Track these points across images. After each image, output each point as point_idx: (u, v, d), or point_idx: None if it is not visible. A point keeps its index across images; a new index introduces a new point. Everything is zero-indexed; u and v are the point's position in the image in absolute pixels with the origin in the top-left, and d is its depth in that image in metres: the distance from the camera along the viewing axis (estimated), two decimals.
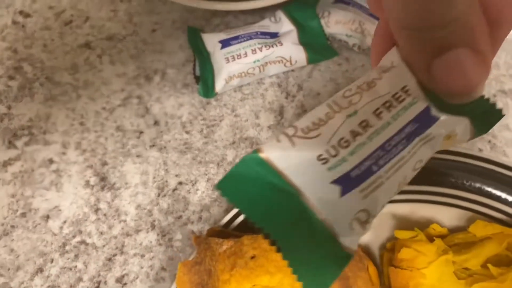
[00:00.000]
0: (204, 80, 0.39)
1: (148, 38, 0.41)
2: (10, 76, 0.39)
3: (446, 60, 0.14)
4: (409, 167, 0.18)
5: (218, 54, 0.39)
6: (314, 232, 0.17)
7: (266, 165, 0.17)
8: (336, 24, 0.40)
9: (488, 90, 0.40)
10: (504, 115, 0.19)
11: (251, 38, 0.39)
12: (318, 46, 0.40)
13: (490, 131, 0.38)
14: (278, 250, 0.17)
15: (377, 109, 0.18)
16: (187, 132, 0.38)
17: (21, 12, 0.41)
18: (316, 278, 0.17)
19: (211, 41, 0.39)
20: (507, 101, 0.40)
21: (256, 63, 0.39)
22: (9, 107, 0.38)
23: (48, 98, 0.39)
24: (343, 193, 0.17)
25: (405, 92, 0.18)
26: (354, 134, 0.18)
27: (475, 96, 0.16)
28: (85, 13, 0.42)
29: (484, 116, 0.18)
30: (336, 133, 0.18)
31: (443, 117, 0.18)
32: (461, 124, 0.18)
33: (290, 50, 0.39)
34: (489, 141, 0.38)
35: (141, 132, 0.38)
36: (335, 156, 0.18)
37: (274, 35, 0.40)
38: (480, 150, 0.38)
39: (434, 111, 0.18)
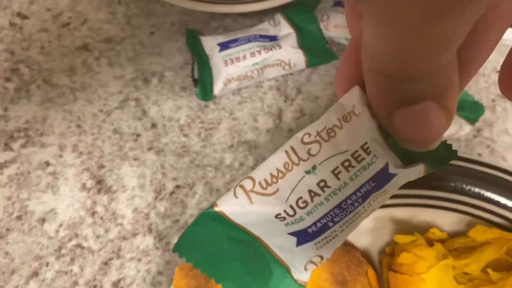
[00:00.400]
0: (203, 83, 0.38)
1: (146, 40, 0.41)
2: (6, 78, 0.39)
3: (411, 110, 0.14)
4: (363, 218, 0.19)
5: (216, 57, 0.38)
6: (271, 271, 0.18)
7: (223, 219, 0.18)
8: (335, 27, 0.40)
9: (487, 95, 0.40)
10: (458, 157, 0.18)
11: (250, 41, 0.39)
12: (317, 50, 0.40)
13: (489, 135, 0.38)
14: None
15: (336, 168, 0.18)
16: (185, 135, 0.38)
17: (18, 14, 0.41)
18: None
19: (209, 43, 0.39)
20: (506, 106, 0.40)
21: (255, 66, 0.39)
22: (5, 109, 0.38)
23: (45, 100, 0.39)
24: (299, 243, 0.19)
25: (365, 150, 0.18)
26: (312, 194, 0.18)
27: (433, 147, 0.16)
28: (83, 16, 0.41)
29: (440, 158, 0.18)
30: (294, 191, 0.18)
31: (400, 172, 0.17)
32: (416, 173, 0.18)
33: (289, 53, 0.39)
34: (488, 146, 0.38)
35: (138, 135, 0.38)
36: (292, 216, 0.18)
37: (273, 39, 0.40)
38: (479, 154, 0.38)
39: (392, 168, 0.18)
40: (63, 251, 0.34)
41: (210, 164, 0.37)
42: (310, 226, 0.18)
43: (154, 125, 0.38)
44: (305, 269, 0.19)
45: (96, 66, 0.40)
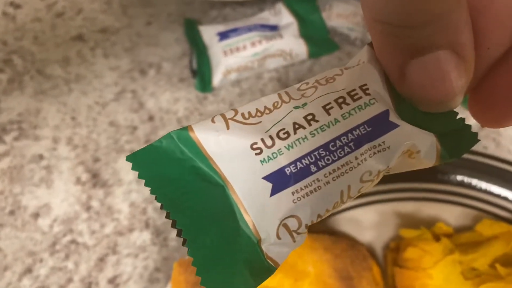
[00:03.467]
0: (201, 74, 0.37)
1: (142, 31, 0.40)
2: None
3: (424, 62, 0.12)
4: (355, 176, 0.15)
5: (215, 47, 0.37)
6: (235, 232, 0.15)
7: (194, 146, 0.15)
8: (338, 17, 0.39)
9: None
10: (479, 140, 0.16)
11: (250, 31, 0.38)
12: (319, 39, 0.39)
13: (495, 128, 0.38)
14: (184, 243, 0.14)
15: (328, 103, 0.15)
16: None
17: (11, 3, 0.40)
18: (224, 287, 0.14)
19: (208, 33, 0.38)
20: None
21: (255, 56, 0.37)
22: None
23: (38, 91, 0.37)
24: (273, 191, 0.15)
25: (364, 90, 0.15)
26: (296, 127, 0.15)
27: (453, 107, 0.14)
28: (78, 5, 0.40)
29: (456, 137, 0.15)
30: (278, 124, 0.15)
31: (403, 125, 0.15)
32: (425, 140, 0.15)
33: (291, 43, 0.38)
34: (494, 139, 0.37)
35: (135, 128, 0.37)
36: (270, 147, 0.15)
37: (273, 28, 0.39)
38: (485, 148, 0.37)
39: (393, 117, 0.15)
40: (57, 247, 0.33)
41: None
42: (288, 165, 0.15)
43: (151, 118, 0.37)
44: (278, 236, 0.15)
45: (91, 57, 0.39)
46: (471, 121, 0.17)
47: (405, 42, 0.12)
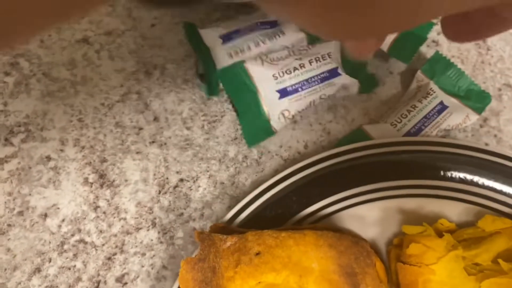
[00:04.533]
0: (208, 78, 0.38)
1: (147, 33, 0.40)
2: (6, 72, 0.39)
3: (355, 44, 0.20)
4: (317, 95, 0.37)
5: (220, 50, 0.38)
6: (260, 114, 0.36)
7: (246, 71, 0.36)
8: None
9: (493, 84, 0.40)
10: (377, 82, 0.40)
11: (252, 31, 0.38)
12: None
13: (496, 124, 0.38)
14: (236, 111, 0.38)
15: (310, 60, 0.37)
16: (187, 128, 0.37)
17: None
18: (251, 131, 0.36)
19: (210, 36, 0.38)
20: None
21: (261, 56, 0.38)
22: (5, 104, 0.38)
23: (45, 94, 0.38)
24: (280, 97, 0.36)
25: (328, 55, 0.37)
26: (295, 69, 0.36)
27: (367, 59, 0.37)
28: None
29: (366, 80, 0.38)
30: (287, 66, 0.36)
31: (342, 74, 0.37)
32: (351, 81, 0.37)
33: (292, 37, 0.38)
34: (495, 135, 0.38)
35: (140, 129, 0.37)
36: (282, 76, 0.36)
37: (274, 24, 0.39)
38: (486, 144, 0.37)
39: (340, 70, 0.37)
40: (65, 247, 0.33)
41: (214, 157, 0.36)
42: (289, 86, 0.36)
43: (156, 118, 0.38)
44: (278, 118, 0.36)
45: (97, 59, 0.39)
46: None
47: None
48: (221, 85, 0.37)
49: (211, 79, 0.38)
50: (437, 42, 0.41)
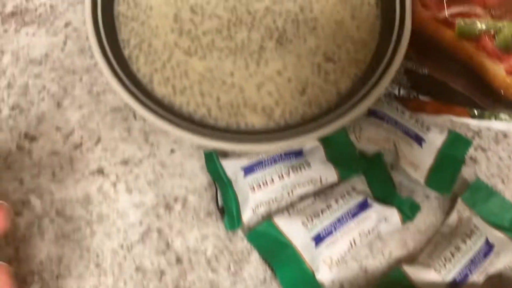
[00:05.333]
0: (229, 211, 0.35)
1: (166, 160, 0.38)
2: (17, 212, 0.36)
3: None
4: (355, 232, 0.34)
5: (241, 182, 0.35)
6: (301, 268, 0.33)
7: (275, 228, 0.34)
8: (368, 141, 0.37)
9: None
10: (418, 206, 0.36)
11: (276, 162, 0.36)
12: (348, 160, 0.37)
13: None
14: (275, 277, 0.34)
15: (336, 198, 0.35)
16: (213, 271, 0.35)
17: (26, 135, 0.38)
18: None
19: (231, 167, 0.36)
20: None
21: (284, 188, 0.35)
22: (16, 250, 0.35)
23: (59, 236, 0.35)
24: (316, 246, 0.33)
25: (353, 189, 0.36)
26: (322, 211, 0.34)
27: None
28: (96, 134, 0.38)
29: (404, 206, 0.36)
30: (314, 210, 0.35)
31: (374, 205, 0.35)
32: (388, 209, 0.35)
33: (319, 170, 0.36)
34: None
35: (162, 272, 0.35)
36: (311, 222, 0.34)
37: (299, 154, 0.37)
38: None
39: (369, 200, 0.35)
40: None
41: None
42: (322, 231, 0.33)
43: (179, 260, 0.35)
44: (321, 266, 0.33)
45: (114, 193, 0.37)
46: None
47: None
48: (243, 219, 0.35)
49: (232, 212, 0.35)
50: (475, 159, 0.39)
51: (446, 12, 0.32)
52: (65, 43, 0.40)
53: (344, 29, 0.35)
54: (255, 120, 0.33)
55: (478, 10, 0.32)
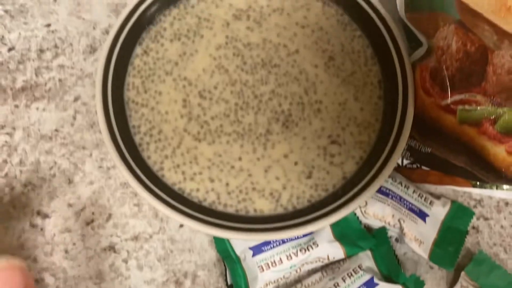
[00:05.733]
0: None
1: (176, 234, 0.39)
2: None
3: None
4: None
5: (250, 261, 0.36)
6: None
7: None
8: (374, 217, 0.38)
9: None
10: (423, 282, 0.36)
11: (283, 242, 0.37)
12: (355, 237, 0.38)
13: None
14: None
15: (343, 276, 0.35)
16: None
17: (38, 213, 0.39)
18: None
19: (240, 246, 0.37)
20: None
21: (292, 268, 0.36)
22: None
23: None
24: None
25: (360, 267, 0.36)
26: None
27: None
28: (107, 210, 0.39)
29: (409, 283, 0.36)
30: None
31: (380, 283, 0.35)
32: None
33: (326, 249, 0.37)
34: None
35: None
36: None
37: (306, 233, 0.38)
38: None
39: (376, 279, 0.35)
40: None
41: None
42: None
43: None
44: None
45: (125, 270, 0.38)
46: None
47: None
48: None
49: None
50: (477, 228, 0.40)
51: (448, 100, 0.33)
52: (74, 117, 0.41)
53: (348, 110, 0.36)
54: (264, 206, 0.34)
55: (479, 97, 0.33)
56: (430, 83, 0.34)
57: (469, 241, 0.39)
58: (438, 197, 0.39)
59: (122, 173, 0.32)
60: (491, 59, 0.33)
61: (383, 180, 0.33)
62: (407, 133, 0.34)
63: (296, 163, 0.35)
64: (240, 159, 0.35)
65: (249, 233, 0.32)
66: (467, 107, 0.33)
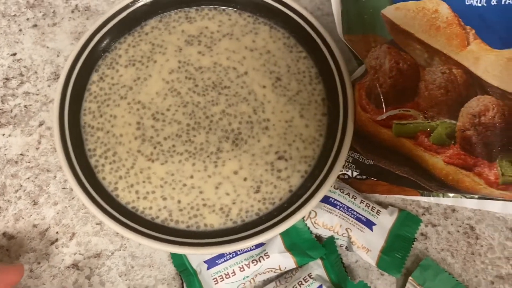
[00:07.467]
0: None
1: (136, 251, 0.40)
2: None
3: None
4: None
5: (205, 274, 0.38)
6: None
7: None
8: (323, 227, 0.40)
9: (485, 276, 0.40)
10: None
11: (236, 254, 0.38)
12: (305, 247, 0.39)
13: None
14: None
15: (294, 286, 0.37)
16: None
17: (4, 234, 0.40)
18: None
19: (196, 260, 0.38)
20: (506, 287, 0.40)
21: (245, 279, 0.38)
22: None
23: None
24: None
25: (309, 276, 0.37)
26: None
27: None
28: (70, 229, 0.41)
29: None
30: None
31: None
32: None
33: (278, 260, 0.38)
34: None
35: None
36: None
37: (258, 245, 0.39)
38: None
39: (324, 287, 0.37)
40: None
41: None
42: None
43: None
44: None
45: (88, 286, 0.39)
46: None
47: None
48: None
49: None
50: (426, 235, 0.42)
51: (384, 116, 0.35)
52: (39, 142, 0.43)
53: (294, 127, 0.38)
54: (214, 220, 0.36)
55: (412, 112, 0.35)
56: (366, 101, 0.36)
57: (417, 247, 0.41)
58: (386, 206, 0.41)
59: (78, 195, 0.34)
60: (423, 75, 0.35)
61: (326, 191, 0.35)
62: (347, 147, 0.36)
63: (245, 179, 0.37)
64: (192, 177, 0.37)
65: (200, 248, 0.34)
66: (402, 121, 0.35)
